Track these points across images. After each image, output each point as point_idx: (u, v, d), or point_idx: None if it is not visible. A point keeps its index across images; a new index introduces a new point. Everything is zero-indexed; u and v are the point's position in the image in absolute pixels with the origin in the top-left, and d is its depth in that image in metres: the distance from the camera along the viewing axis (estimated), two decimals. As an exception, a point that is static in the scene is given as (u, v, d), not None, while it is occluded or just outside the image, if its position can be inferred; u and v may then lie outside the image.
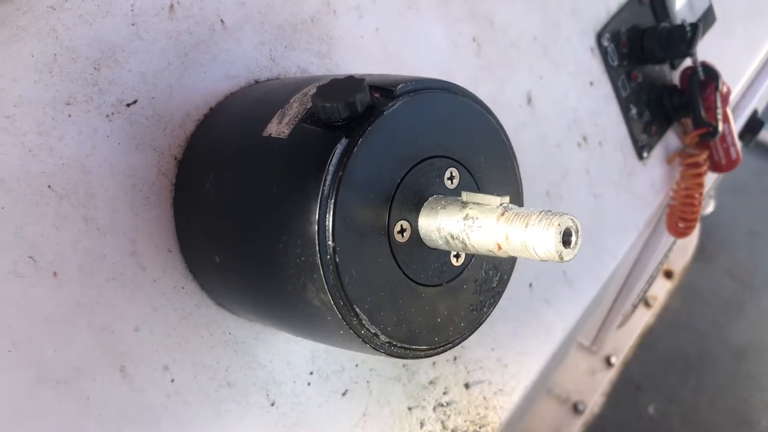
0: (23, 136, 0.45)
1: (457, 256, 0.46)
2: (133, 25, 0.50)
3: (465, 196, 0.41)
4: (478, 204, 0.40)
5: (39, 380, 0.47)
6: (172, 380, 0.53)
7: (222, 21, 0.54)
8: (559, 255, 0.36)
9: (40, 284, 0.46)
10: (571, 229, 0.37)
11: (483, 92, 0.73)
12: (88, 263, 0.48)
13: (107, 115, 0.49)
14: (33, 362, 0.46)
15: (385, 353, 0.43)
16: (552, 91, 0.81)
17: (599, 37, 0.86)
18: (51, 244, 0.47)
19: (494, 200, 0.40)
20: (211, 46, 0.53)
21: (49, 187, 0.46)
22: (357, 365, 0.65)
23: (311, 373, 0.62)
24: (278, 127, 0.43)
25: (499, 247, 0.39)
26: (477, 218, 0.40)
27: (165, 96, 0.51)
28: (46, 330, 0.47)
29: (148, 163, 0.51)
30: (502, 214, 0.39)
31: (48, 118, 0.46)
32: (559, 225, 0.36)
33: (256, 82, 0.56)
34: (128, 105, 0.50)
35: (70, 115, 0.47)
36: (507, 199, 0.40)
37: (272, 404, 0.59)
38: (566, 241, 0.37)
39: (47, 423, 0.47)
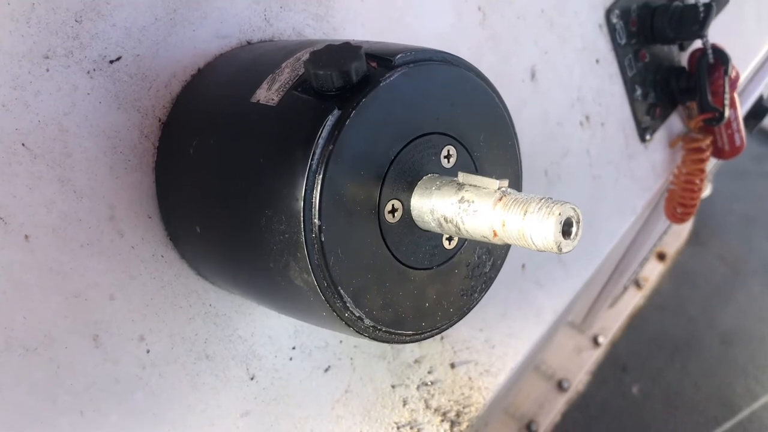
0: (-4, 89, 0.42)
1: (449, 239, 0.44)
2: (118, -25, 0.47)
3: (461, 177, 0.39)
4: (474, 186, 0.38)
5: (7, 347, 0.44)
6: (148, 351, 0.51)
7: (214, -24, 0.51)
8: (558, 246, 0.34)
9: (10, 247, 0.44)
10: (572, 219, 0.35)
11: (486, 64, 0.70)
12: (63, 227, 0.46)
13: (88, 72, 0.46)
14: (0, 328, 0.44)
15: (369, 337, 0.41)
16: (557, 67, 0.78)
17: (608, 13, 0.83)
18: (23, 205, 0.44)
19: (492, 183, 0.37)
20: (202, 3, 0.50)
21: (23, 145, 0.44)
22: (341, 341, 0.63)
23: (293, 348, 0.60)
24: (267, 94, 0.41)
25: (495, 234, 0.37)
26: (473, 201, 0.37)
27: (151, 54, 0.48)
28: (16, 295, 0.45)
29: (130, 124, 0.48)
30: (500, 199, 0.36)
31: (24, 71, 0.43)
32: (559, 214, 0.34)
33: (249, 43, 0.53)
34: (111, 62, 0.47)
35: (48, 70, 0.44)
36: (506, 182, 0.37)
37: (252, 378, 0.57)
38: (566, 231, 0.35)
39: (15, 391, 0.45)
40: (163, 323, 0.51)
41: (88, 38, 0.46)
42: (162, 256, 0.51)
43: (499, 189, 0.37)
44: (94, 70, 0.46)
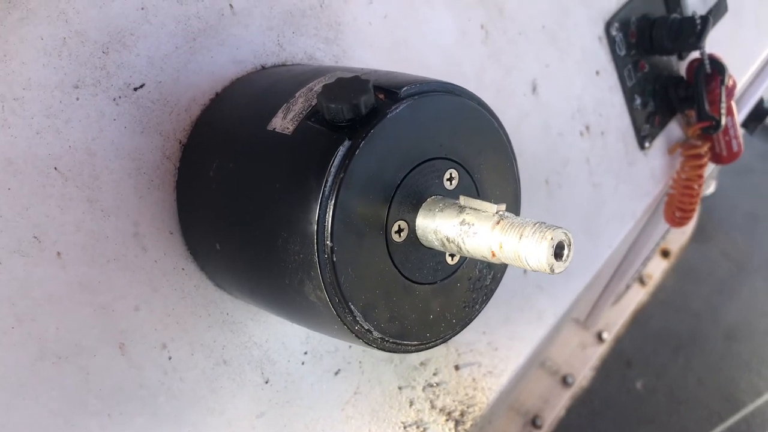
0: (31, 118, 0.46)
1: (452, 256, 0.47)
2: (142, 9, 0.50)
3: (463, 200, 0.42)
4: (475, 210, 0.41)
5: (41, 356, 0.48)
6: (170, 358, 0.54)
7: (231, 5, 0.54)
8: (550, 267, 0.37)
9: (44, 264, 0.48)
10: (564, 243, 0.38)
11: (488, 80, 0.73)
12: (92, 244, 0.49)
13: (114, 99, 0.49)
14: (35, 338, 0.48)
15: (377, 348, 0.44)
16: (557, 79, 0.81)
17: (608, 26, 0.86)
18: (55, 224, 0.48)
19: (491, 207, 0.40)
20: (219, 31, 0.54)
21: (55, 168, 0.47)
22: (350, 346, 0.67)
23: (305, 353, 0.63)
24: (283, 122, 0.44)
25: (493, 254, 0.40)
26: (473, 224, 0.41)
27: (172, 80, 0.52)
28: (49, 308, 0.48)
29: (153, 147, 0.51)
30: (498, 223, 0.40)
31: (56, 101, 0.47)
32: (552, 239, 0.37)
33: (263, 67, 0.56)
34: (135, 89, 0.50)
35: (77, 99, 0.48)
36: (503, 206, 0.40)
37: (266, 382, 0.61)
38: (558, 254, 0.38)
39: (48, 396, 0.49)
40: (184, 331, 0.55)
41: (114, 68, 0.49)
42: (183, 269, 0.54)
43: (497, 213, 0.40)
44: (120, 97, 0.50)
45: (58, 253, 0.48)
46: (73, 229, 0.49)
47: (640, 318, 2.34)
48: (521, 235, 0.38)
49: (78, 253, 0.49)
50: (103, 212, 0.50)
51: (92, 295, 0.50)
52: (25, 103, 0.46)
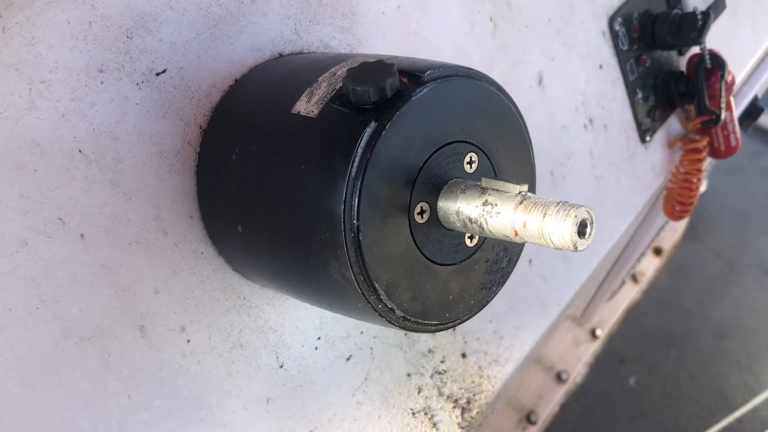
0: (58, 101, 0.46)
1: (471, 238, 0.48)
2: (165, -5, 0.50)
3: (484, 182, 0.43)
4: (497, 191, 0.42)
5: (64, 336, 0.49)
6: (188, 341, 0.55)
7: (250, -7, 0.55)
8: (574, 245, 0.39)
9: (68, 245, 0.48)
10: (587, 221, 0.39)
11: (496, 72, 0.74)
12: (114, 226, 0.50)
13: (137, 83, 0.50)
14: (59, 319, 0.48)
15: (399, 327, 0.45)
16: (563, 72, 0.82)
17: (611, 21, 0.87)
18: (79, 206, 0.48)
19: (513, 188, 0.41)
20: (238, 18, 0.54)
21: (79, 151, 0.48)
22: (362, 332, 0.67)
23: (318, 339, 0.64)
24: (307, 106, 0.45)
25: (516, 234, 0.41)
26: (496, 204, 0.42)
27: (193, 66, 0.52)
28: (72, 289, 0.49)
29: (174, 132, 0.52)
30: (521, 203, 0.41)
31: (81, 84, 0.47)
32: (575, 216, 0.38)
33: (280, 55, 0.57)
34: (158, 74, 0.51)
35: (102, 82, 0.48)
36: (525, 187, 0.41)
37: (281, 366, 0.61)
38: (581, 231, 0.39)
39: (71, 377, 0.49)
40: (202, 315, 0.55)
41: (138, 53, 0.50)
42: (201, 253, 0.55)
43: (519, 193, 0.41)
44: (143, 82, 0.50)
45: (82, 235, 0.49)
46: (96, 211, 0.49)
47: (632, 315, 2.36)
48: (545, 214, 0.39)
49: (101, 235, 0.50)
50: (126, 195, 0.50)
51: (114, 277, 0.50)
52: (52, 85, 0.46)
